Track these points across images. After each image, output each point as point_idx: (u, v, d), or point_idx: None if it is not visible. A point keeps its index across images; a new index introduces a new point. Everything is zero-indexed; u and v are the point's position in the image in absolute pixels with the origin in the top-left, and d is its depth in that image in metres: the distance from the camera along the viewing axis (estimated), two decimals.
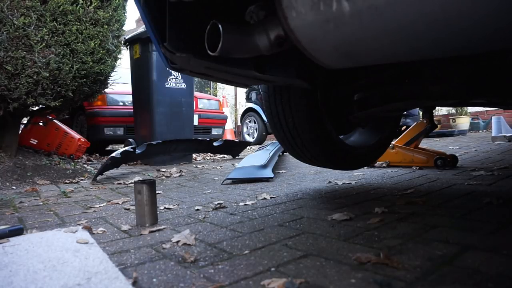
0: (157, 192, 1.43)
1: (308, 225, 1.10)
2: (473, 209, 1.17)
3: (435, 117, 6.68)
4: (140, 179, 1.84)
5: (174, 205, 1.53)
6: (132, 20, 21.08)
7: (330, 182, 1.97)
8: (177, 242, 0.98)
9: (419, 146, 2.51)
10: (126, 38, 3.48)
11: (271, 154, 2.68)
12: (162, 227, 1.16)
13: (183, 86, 3.59)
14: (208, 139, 3.70)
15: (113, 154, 2.66)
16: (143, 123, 3.53)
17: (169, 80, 3.46)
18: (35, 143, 3.32)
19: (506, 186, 1.53)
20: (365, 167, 2.47)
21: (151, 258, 0.87)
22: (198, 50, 0.85)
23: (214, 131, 5.58)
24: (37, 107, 2.84)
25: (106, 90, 3.41)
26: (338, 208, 1.31)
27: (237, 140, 4.51)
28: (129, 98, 4.37)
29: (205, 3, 0.87)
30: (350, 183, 1.89)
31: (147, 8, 0.88)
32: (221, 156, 4.31)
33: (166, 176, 2.67)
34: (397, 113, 1.80)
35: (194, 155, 4.13)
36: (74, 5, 2.50)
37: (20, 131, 3.02)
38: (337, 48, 0.68)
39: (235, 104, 12.42)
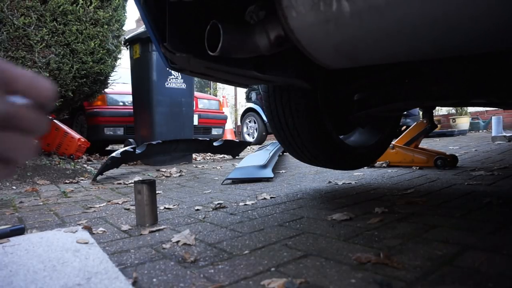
0: (157, 192, 1.43)
1: (308, 225, 1.10)
2: (473, 209, 1.17)
3: (435, 117, 6.68)
4: (140, 179, 1.84)
5: (174, 205, 1.53)
6: (132, 20, 21.12)
7: (330, 182, 1.97)
8: (177, 242, 0.98)
9: (419, 146, 2.51)
10: (126, 38, 3.48)
11: (271, 154, 2.68)
12: (162, 227, 1.17)
13: (183, 86, 3.59)
14: (208, 139, 3.70)
15: (113, 154, 2.66)
16: (143, 123, 3.53)
17: (169, 80, 3.47)
18: None
19: (506, 186, 1.53)
20: (365, 167, 2.47)
21: (151, 258, 0.87)
22: (198, 50, 0.85)
23: (214, 131, 5.58)
24: None
25: (106, 90, 3.42)
26: (338, 208, 1.31)
27: (237, 140, 4.51)
28: (129, 98, 4.37)
29: (205, 3, 0.87)
30: (350, 183, 1.89)
31: (147, 8, 0.88)
32: (221, 156, 4.31)
33: (166, 176, 2.67)
34: (397, 113, 1.80)
35: (194, 155, 4.13)
36: (74, 5, 2.51)
37: None
38: (337, 48, 0.68)
39: (235, 104, 12.42)
